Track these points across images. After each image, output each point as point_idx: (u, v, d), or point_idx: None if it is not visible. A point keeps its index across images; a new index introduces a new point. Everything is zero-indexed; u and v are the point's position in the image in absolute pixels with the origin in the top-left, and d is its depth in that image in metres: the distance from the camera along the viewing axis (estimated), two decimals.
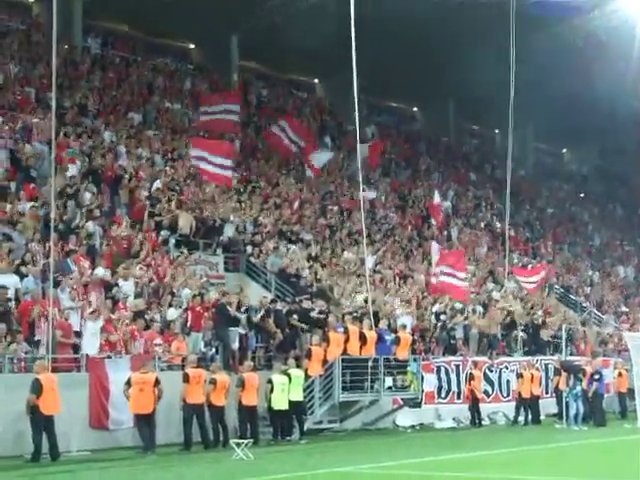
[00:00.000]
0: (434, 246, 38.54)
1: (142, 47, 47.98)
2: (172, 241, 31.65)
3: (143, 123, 39.29)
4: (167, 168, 35.95)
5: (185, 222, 32.55)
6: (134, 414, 23.09)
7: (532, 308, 40.26)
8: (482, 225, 50.93)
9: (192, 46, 51.65)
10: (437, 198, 44.00)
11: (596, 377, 33.20)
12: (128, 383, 23.03)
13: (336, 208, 41.66)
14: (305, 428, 26.91)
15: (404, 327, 31.30)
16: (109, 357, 24.13)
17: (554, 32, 48.81)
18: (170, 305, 27.48)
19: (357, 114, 29.56)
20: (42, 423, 21.11)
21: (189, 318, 27.25)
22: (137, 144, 36.24)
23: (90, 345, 24.16)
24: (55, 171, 25.73)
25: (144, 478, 18.76)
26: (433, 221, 44.54)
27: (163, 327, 26.47)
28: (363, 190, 35.30)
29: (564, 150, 74.57)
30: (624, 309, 48.71)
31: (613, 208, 69.11)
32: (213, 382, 24.46)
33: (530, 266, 45.23)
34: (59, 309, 24.12)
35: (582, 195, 67.96)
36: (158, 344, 25.55)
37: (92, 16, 44.67)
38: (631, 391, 34.42)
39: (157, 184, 33.60)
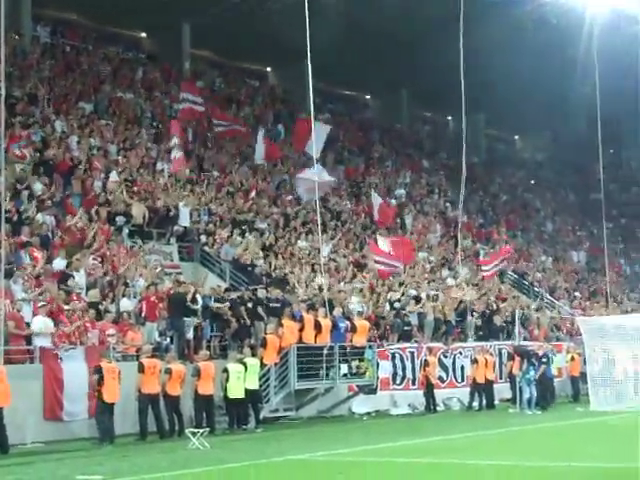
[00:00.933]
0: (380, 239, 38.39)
1: (92, 36, 47.58)
2: (126, 231, 31.50)
3: (95, 112, 38.98)
4: (120, 158, 35.74)
5: (138, 212, 32.41)
6: (102, 403, 22.95)
7: (485, 294, 40.51)
8: (435, 212, 51.14)
9: (143, 35, 51.36)
10: (376, 199, 43.77)
11: (544, 360, 33.52)
12: (99, 372, 22.93)
13: (290, 197, 41.62)
14: (261, 416, 26.96)
15: (360, 314, 31.38)
16: (63, 348, 23.97)
17: (505, 18, 48.99)
18: (124, 295, 27.36)
19: (312, 102, 29.59)
20: None
21: (143, 308, 27.15)
22: (89, 134, 35.98)
23: (43, 336, 23.99)
24: (5, 162, 25.47)
25: (100, 469, 18.69)
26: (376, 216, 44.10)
27: (117, 318, 26.35)
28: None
29: (516, 137, 75.03)
30: (577, 294, 49.17)
31: (565, 194, 69.67)
32: (168, 372, 24.42)
33: (491, 252, 45.22)
34: (11, 300, 23.93)
35: (535, 182, 68.42)
36: (112, 335, 25.42)
37: (41, 4, 44.20)
38: (583, 375, 34.78)
39: (114, 175, 33.41)
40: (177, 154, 35.76)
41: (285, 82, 54.59)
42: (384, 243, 37.24)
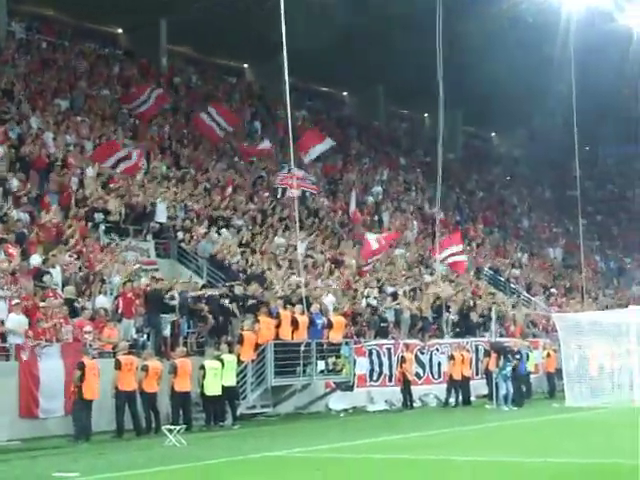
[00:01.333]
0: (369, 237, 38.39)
1: (68, 32, 47.27)
2: (102, 228, 31.41)
3: (71, 109, 38.82)
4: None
5: (115, 209, 32.32)
6: (81, 400, 22.88)
7: (462, 291, 40.63)
8: (412, 209, 51.22)
9: (120, 31, 51.12)
10: (353, 205, 43.68)
11: (517, 357, 33.67)
12: (82, 369, 22.87)
13: (267, 193, 41.59)
14: (238, 413, 26.94)
15: (336, 310, 31.43)
16: (39, 345, 23.87)
17: (482, 15, 49.10)
18: (100, 292, 27.29)
19: (288, 99, 29.57)
20: None
21: (120, 305, 27.07)
22: (65, 130, 35.84)
23: (17, 334, 23.88)
24: None
25: (76, 466, 18.63)
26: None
27: (94, 314, 26.27)
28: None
29: (493, 134, 75.25)
30: (553, 291, 49.39)
31: (541, 191, 69.96)
32: (145, 369, 24.38)
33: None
34: None
35: (511, 178, 68.67)
36: (88, 332, 25.33)
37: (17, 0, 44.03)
38: (559, 371, 34.93)
39: (90, 172, 33.29)
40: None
41: (262, 79, 54.49)
42: (374, 241, 37.37)
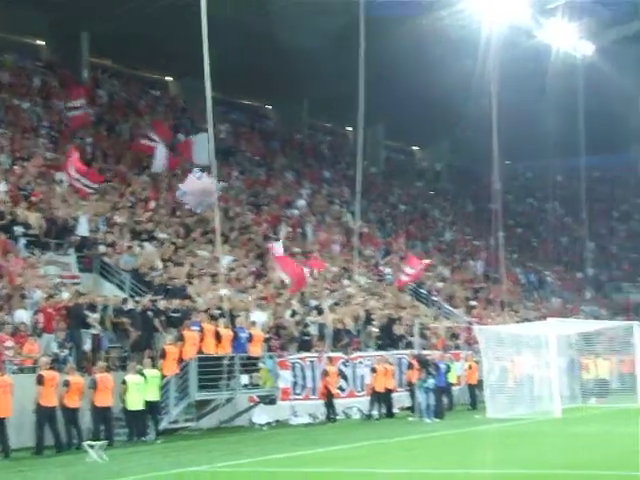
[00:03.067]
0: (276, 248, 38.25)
1: None
2: (23, 242, 31.04)
3: None
4: (16, 167, 35.20)
5: (36, 222, 31.97)
6: None
7: (385, 304, 40.87)
8: (336, 222, 51.40)
9: (41, 43, 50.60)
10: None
11: (440, 368, 33.99)
12: None
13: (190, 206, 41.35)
14: (161, 428, 26.79)
15: (253, 324, 31.43)
16: None
17: (405, 30, 49.63)
18: (21, 307, 26.96)
19: (210, 112, 29.54)
20: None
21: (41, 319, 26.78)
22: None
23: None
24: None
25: None
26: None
27: (14, 329, 25.93)
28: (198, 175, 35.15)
29: (416, 147, 75.84)
30: (474, 303, 49.86)
31: (463, 204, 70.66)
32: (66, 384, 24.14)
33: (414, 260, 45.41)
34: None
35: (433, 192, 69.26)
36: (9, 347, 25.02)
37: None
38: (481, 383, 35.30)
39: (2, 186, 32.90)
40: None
41: (186, 92, 54.33)
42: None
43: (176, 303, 30.58)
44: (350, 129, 65.20)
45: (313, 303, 37.24)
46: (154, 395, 26.44)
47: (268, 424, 30.91)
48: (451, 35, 49.42)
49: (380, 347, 37.28)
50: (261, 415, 31.16)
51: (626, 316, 53.68)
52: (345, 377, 34.74)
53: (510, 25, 47.40)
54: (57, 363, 25.50)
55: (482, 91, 47.03)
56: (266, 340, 31.78)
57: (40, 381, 23.65)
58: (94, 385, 24.81)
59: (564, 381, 36.61)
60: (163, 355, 27.62)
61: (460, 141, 68.84)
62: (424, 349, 37.58)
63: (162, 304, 30.16)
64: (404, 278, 42.72)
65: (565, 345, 37.48)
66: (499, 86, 44.33)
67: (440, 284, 50.80)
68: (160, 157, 41.40)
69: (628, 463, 18.97)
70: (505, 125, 46.04)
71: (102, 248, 33.67)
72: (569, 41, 52.06)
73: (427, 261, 46.37)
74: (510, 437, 26.39)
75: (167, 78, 57.19)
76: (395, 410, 34.37)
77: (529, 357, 35.36)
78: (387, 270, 46.82)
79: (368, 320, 38.10)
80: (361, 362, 35.41)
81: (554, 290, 61.28)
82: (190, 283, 33.89)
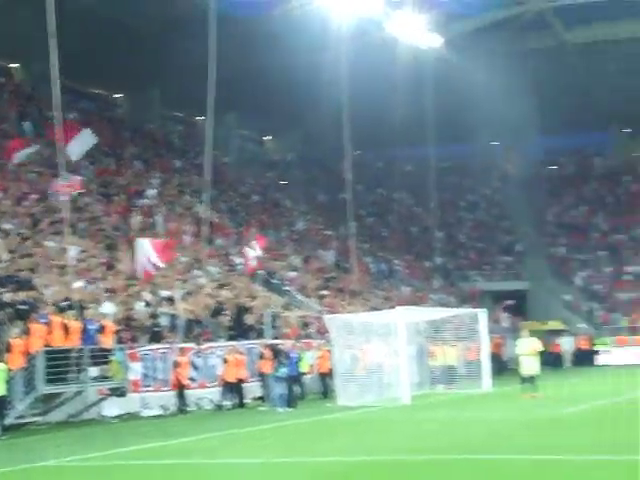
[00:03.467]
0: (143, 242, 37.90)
1: None
2: None
3: None
4: None
5: None
6: None
7: (237, 294, 40.85)
8: (187, 212, 51.09)
9: None
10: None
11: (293, 358, 34.18)
12: None
13: (38, 197, 40.55)
14: (7, 423, 26.18)
15: (104, 316, 31.02)
16: None
17: (256, 21, 49.65)
18: None
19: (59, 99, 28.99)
20: None
21: None
22: None
23: None
24: None
25: None
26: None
27: None
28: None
29: (268, 137, 76.01)
30: (325, 292, 50.30)
31: (315, 194, 71.15)
32: None
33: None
34: None
35: (285, 181, 69.52)
36: None
37: None
38: (332, 371, 35.61)
39: None
40: None
41: (33, 79, 53.12)
42: (147, 245, 36.83)
43: (23, 295, 29.90)
44: (202, 118, 64.88)
45: (164, 294, 36.93)
46: (1, 390, 25.81)
47: (119, 417, 30.57)
48: (303, 26, 49.64)
49: (232, 337, 37.26)
50: (111, 408, 30.79)
51: (473, 304, 54.97)
52: (197, 368, 34.60)
53: (361, 16, 47.95)
54: None
55: (333, 82, 47.42)
56: (117, 332, 31.39)
57: None
58: None
59: (413, 368, 37.23)
60: (8, 348, 26.98)
61: (312, 131, 69.31)
62: (276, 338, 37.76)
63: (8, 296, 29.46)
64: (253, 263, 42.39)
65: (414, 333, 38.12)
66: (350, 77, 44.77)
67: (292, 273, 51.09)
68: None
69: (474, 447, 19.46)
70: (356, 115, 46.60)
71: None
72: (418, 33, 52.89)
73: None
74: (360, 424, 26.71)
75: (11, 65, 55.75)
76: (247, 400, 34.41)
77: (379, 345, 35.85)
78: (238, 260, 46.79)
79: (219, 310, 38.00)
80: (212, 352, 35.31)
81: (403, 279, 62.28)
82: (37, 275, 33.17)
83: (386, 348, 35.47)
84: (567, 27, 61.55)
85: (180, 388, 32.41)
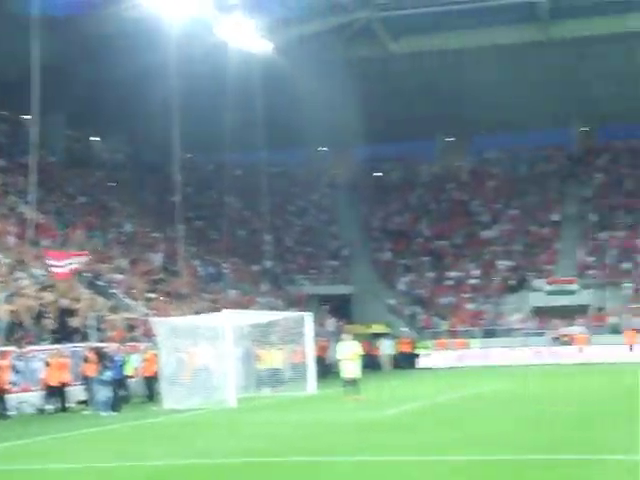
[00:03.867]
0: None
1: None
2: None
3: None
4: None
5: None
6: None
7: (61, 296, 40.20)
8: (11, 213, 49.98)
9: None
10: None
11: (117, 361, 33.97)
12: None
13: None
14: None
15: None
16: None
17: (85, 23, 49.06)
18: None
19: None
20: None
21: None
22: None
23: None
24: None
25: None
26: None
27: None
28: None
29: (96, 138, 74.92)
30: (153, 295, 50.02)
31: (144, 196, 70.50)
32: None
33: (66, 251, 44.47)
34: None
35: (114, 183, 68.66)
36: None
37: None
38: (158, 374, 35.47)
39: None
40: None
41: None
42: None
43: None
44: (28, 117, 63.52)
45: None
46: None
47: None
48: (134, 27, 49.33)
49: (55, 340, 36.67)
50: None
51: (299, 307, 55.58)
52: (18, 371, 33.91)
53: (192, 19, 47.90)
54: None
55: (163, 84, 47.27)
56: None
57: None
58: None
59: (240, 371, 37.47)
60: None
61: (142, 133, 68.75)
62: (101, 342, 37.37)
63: None
64: (58, 270, 41.31)
65: (240, 336, 38.36)
66: (181, 80, 44.71)
67: (119, 276, 50.57)
68: None
69: (297, 449, 19.81)
70: (187, 118, 46.57)
71: None
72: (248, 38, 53.14)
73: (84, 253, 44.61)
74: (186, 427, 26.74)
75: None
76: (70, 404, 33.94)
77: (206, 348, 35.90)
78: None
79: (42, 313, 37.35)
80: (35, 356, 34.68)
81: (231, 282, 62.38)
82: None
83: (213, 351, 35.56)
84: (394, 37, 62.96)
85: (0, 392, 31.70)
